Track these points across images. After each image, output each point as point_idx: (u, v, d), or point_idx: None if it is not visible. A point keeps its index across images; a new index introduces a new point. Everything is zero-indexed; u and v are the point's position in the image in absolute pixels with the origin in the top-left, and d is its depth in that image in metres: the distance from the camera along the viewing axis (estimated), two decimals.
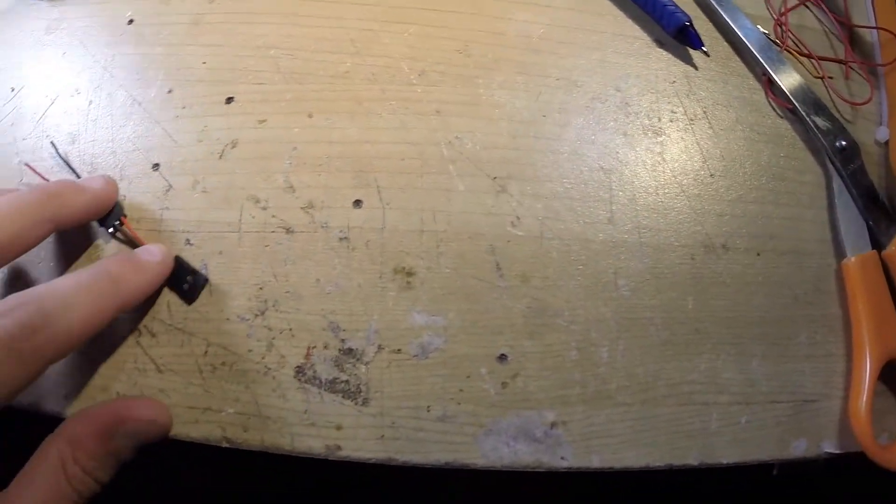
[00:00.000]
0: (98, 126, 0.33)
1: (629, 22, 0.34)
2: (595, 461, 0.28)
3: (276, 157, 0.30)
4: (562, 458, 0.27)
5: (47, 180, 0.31)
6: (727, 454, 0.29)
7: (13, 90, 0.36)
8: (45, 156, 0.33)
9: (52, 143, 0.32)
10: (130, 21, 0.36)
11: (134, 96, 0.33)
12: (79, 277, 0.24)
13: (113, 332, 0.28)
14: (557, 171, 0.30)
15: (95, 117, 0.33)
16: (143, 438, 0.25)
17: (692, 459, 0.28)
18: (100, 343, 0.28)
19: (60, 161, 0.32)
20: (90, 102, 0.34)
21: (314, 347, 0.28)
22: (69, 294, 0.23)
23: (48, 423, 0.26)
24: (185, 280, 0.28)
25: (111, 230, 0.29)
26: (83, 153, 0.32)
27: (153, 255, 0.28)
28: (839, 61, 0.35)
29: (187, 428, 0.27)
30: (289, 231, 0.29)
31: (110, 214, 0.29)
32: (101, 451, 0.24)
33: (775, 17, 0.35)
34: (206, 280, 0.28)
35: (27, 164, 0.32)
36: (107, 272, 0.25)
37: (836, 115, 0.33)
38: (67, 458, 0.23)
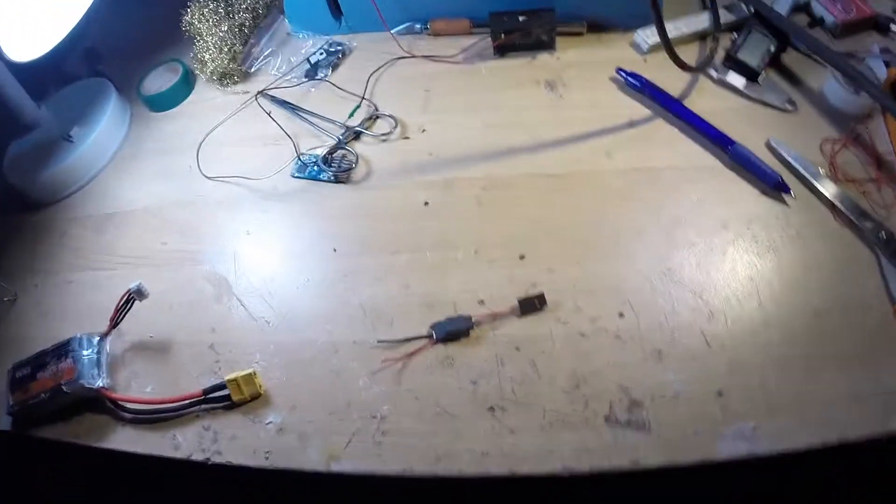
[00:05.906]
0: (455, 278, 0.51)
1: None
2: None
3: (561, 293, 0.49)
4: None
5: None
6: None
7: (335, 251, 0.54)
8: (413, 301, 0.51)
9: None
10: (426, 203, 0.55)
11: (445, 255, 0.52)
12: None
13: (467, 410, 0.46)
14: None
15: (418, 274, 0.52)
16: None
17: None
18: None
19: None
20: (465, 257, 0.52)
21: (613, 402, 0.46)
22: None
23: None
24: (534, 306, 0.48)
25: None
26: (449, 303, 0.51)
27: None
28: (872, 180, 0.55)
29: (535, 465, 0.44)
30: (582, 335, 0.48)
31: None
32: None
33: (828, 160, 0.56)
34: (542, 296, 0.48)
35: None
36: None
37: (875, 216, 0.53)
38: None
